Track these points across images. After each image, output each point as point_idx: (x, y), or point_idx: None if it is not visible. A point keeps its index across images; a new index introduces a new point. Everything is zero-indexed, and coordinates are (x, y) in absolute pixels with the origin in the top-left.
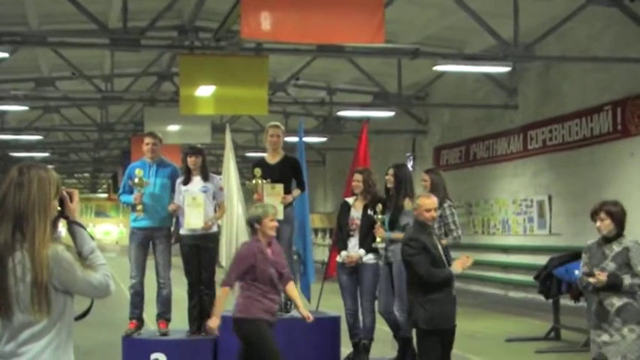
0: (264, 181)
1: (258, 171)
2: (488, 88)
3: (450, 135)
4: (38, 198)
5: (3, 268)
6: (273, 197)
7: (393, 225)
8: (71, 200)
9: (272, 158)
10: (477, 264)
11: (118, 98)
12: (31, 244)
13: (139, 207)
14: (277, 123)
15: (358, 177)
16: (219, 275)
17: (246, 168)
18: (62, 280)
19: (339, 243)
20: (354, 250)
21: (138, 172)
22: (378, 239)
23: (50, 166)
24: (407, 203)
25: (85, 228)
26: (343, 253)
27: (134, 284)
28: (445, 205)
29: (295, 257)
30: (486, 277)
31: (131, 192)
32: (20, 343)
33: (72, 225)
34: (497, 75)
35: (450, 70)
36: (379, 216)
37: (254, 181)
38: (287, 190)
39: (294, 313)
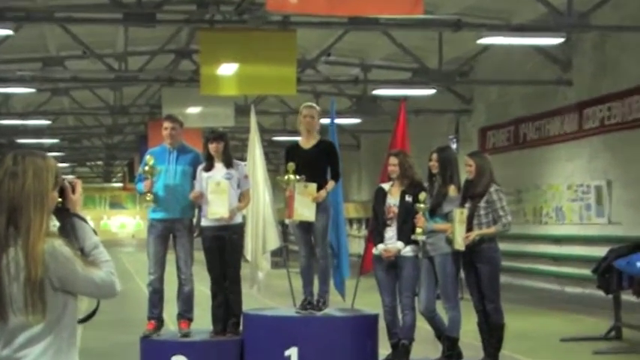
0: (296, 177)
1: (291, 166)
2: (539, 62)
3: (497, 114)
4: (34, 188)
5: None
6: (305, 196)
7: (433, 213)
8: (73, 191)
9: (306, 142)
10: (527, 256)
11: (132, 78)
12: (26, 238)
13: (149, 197)
14: (312, 103)
15: (394, 160)
16: (245, 270)
17: (272, 152)
18: (60, 277)
19: (375, 234)
20: (391, 241)
21: (148, 159)
22: (418, 230)
23: (51, 154)
24: (452, 190)
25: (87, 222)
26: (380, 246)
27: (153, 281)
28: (492, 189)
29: (329, 250)
30: (538, 271)
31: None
32: (16, 348)
33: (73, 218)
34: (548, 47)
35: (496, 43)
36: (421, 205)
37: (286, 177)
38: (323, 178)
39: (327, 311)
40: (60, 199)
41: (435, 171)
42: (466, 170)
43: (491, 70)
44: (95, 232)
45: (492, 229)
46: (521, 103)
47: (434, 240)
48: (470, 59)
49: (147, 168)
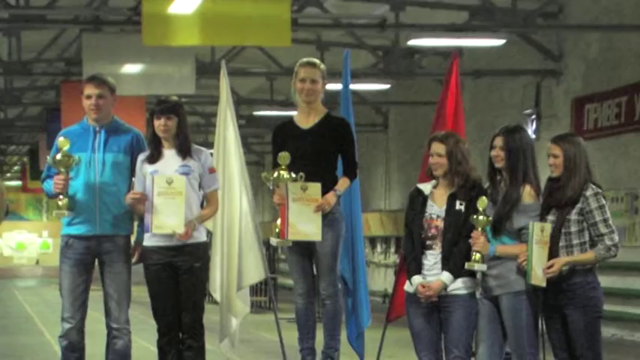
0: (292, 175)
1: (284, 156)
2: None
3: (601, 78)
4: None
5: None
6: (304, 204)
7: (499, 228)
8: None
9: (305, 119)
10: None
11: (36, 19)
12: None
13: (62, 201)
14: (313, 60)
15: (439, 147)
16: (212, 316)
17: (254, 136)
18: None
19: (409, 260)
20: (433, 272)
21: (61, 142)
22: (476, 256)
23: None
24: (527, 193)
25: None
26: (416, 279)
27: (68, 331)
28: (588, 192)
29: (340, 285)
30: None
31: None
32: None
33: None
34: None
35: None
36: (480, 217)
37: (276, 174)
38: (330, 174)
39: None
40: None
41: (499, 164)
42: (549, 164)
43: (592, 10)
44: None
45: (590, 255)
46: (638, 60)
47: (500, 271)
48: None
49: (59, 156)
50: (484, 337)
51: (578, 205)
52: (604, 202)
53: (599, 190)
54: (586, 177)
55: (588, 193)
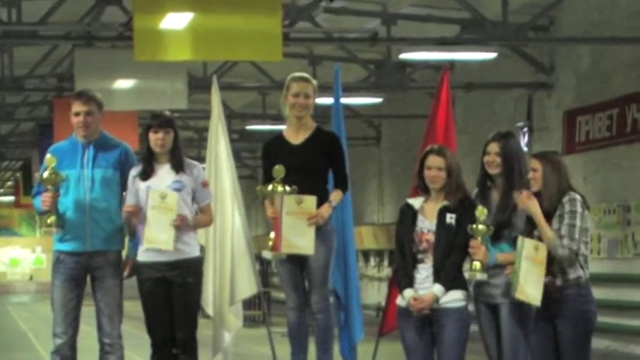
0: (286, 188)
1: (280, 170)
2: None
3: (592, 90)
4: None
5: None
6: (298, 217)
7: (498, 235)
8: None
9: (295, 134)
10: (638, 309)
11: (29, 35)
12: None
13: (50, 219)
14: (305, 75)
15: (438, 161)
16: (205, 331)
17: (247, 151)
18: None
19: (401, 275)
20: (425, 285)
21: (48, 160)
22: (476, 265)
23: None
24: (523, 197)
25: None
26: (407, 292)
27: (60, 347)
28: (565, 198)
29: (332, 299)
30: None
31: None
32: None
33: None
34: None
35: None
36: (480, 226)
37: (270, 187)
38: (322, 189)
39: None
40: None
41: (495, 170)
42: (529, 177)
43: (583, 22)
44: None
45: (550, 233)
46: (628, 72)
47: (502, 279)
48: (550, 7)
49: (46, 175)
50: (486, 345)
51: (557, 213)
52: (578, 208)
53: (577, 197)
54: (565, 187)
55: (565, 199)
